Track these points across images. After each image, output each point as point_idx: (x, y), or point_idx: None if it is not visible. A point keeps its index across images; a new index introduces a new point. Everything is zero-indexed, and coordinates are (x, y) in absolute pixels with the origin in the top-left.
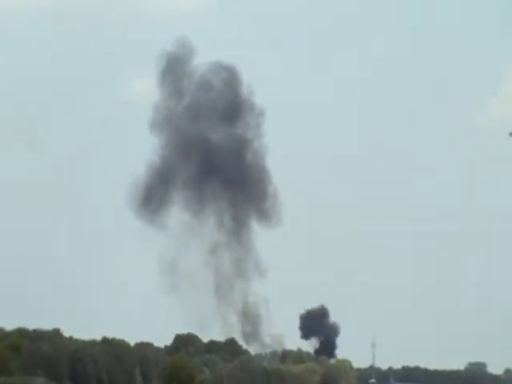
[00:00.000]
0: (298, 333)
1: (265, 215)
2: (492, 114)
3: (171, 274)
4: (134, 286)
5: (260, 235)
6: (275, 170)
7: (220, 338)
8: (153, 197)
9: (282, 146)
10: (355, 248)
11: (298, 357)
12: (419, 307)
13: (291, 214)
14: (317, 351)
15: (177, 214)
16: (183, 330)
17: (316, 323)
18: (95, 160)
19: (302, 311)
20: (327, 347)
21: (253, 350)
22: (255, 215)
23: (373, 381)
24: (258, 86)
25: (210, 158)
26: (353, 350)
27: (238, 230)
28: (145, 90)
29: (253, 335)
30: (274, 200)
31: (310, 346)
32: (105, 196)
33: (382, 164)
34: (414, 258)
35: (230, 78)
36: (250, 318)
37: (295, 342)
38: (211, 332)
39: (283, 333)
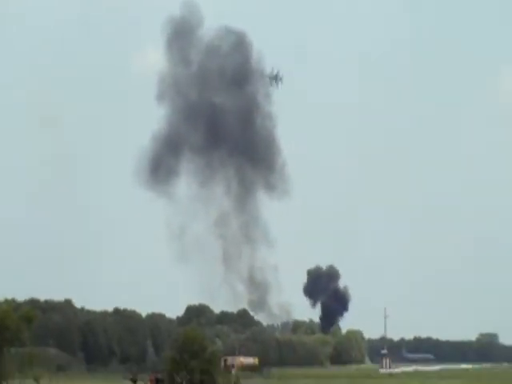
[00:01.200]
0: (307, 302)
1: (272, 186)
2: None
3: (180, 242)
4: (144, 257)
5: (268, 205)
6: (285, 140)
7: (230, 308)
8: (161, 166)
9: (292, 117)
10: (365, 219)
11: (310, 328)
12: (431, 279)
13: (300, 185)
14: (324, 309)
15: (185, 182)
16: (195, 301)
17: (324, 283)
18: (106, 132)
19: (309, 269)
20: (337, 306)
21: (261, 318)
22: (262, 185)
23: (384, 351)
24: (268, 55)
25: (218, 125)
26: (364, 321)
27: (245, 198)
28: (157, 61)
29: (260, 303)
30: (282, 171)
31: (317, 312)
32: (115, 168)
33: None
34: (426, 230)
35: (239, 42)
36: (257, 286)
37: (304, 311)
38: (222, 302)
39: (291, 302)
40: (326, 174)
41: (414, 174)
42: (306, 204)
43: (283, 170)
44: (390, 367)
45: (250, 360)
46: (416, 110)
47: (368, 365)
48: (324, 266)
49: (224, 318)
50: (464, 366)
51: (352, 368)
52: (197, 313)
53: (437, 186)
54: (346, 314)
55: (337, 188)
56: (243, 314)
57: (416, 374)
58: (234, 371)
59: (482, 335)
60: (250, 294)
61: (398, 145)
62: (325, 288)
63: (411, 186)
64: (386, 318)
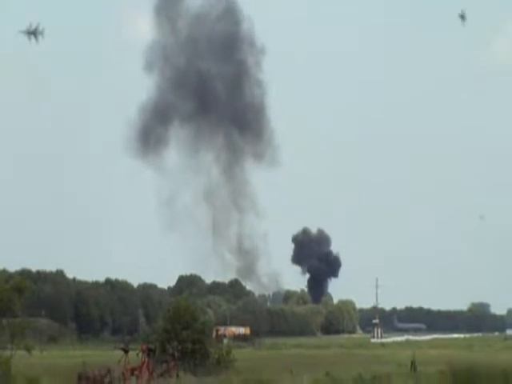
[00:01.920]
0: (297, 271)
1: (260, 155)
2: None
3: (169, 211)
4: (135, 227)
5: (257, 173)
6: (275, 108)
7: (222, 278)
8: (150, 136)
9: (283, 85)
10: (356, 187)
11: (301, 298)
12: (423, 248)
13: (289, 152)
14: (312, 271)
15: (174, 151)
16: (186, 271)
17: (313, 248)
18: (95, 103)
19: (297, 233)
20: (326, 269)
21: (250, 287)
22: (251, 153)
23: (376, 321)
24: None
25: (207, 93)
26: (356, 291)
27: (234, 166)
28: (146, 30)
29: (248, 272)
30: (270, 140)
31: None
32: (103, 138)
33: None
34: (420, 199)
35: (228, 9)
36: (246, 254)
37: (294, 280)
38: (212, 272)
39: (280, 271)
40: (316, 141)
41: (408, 144)
42: (295, 172)
43: (272, 138)
44: (381, 337)
45: (242, 330)
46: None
47: (359, 334)
48: (313, 230)
49: (215, 288)
50: (455, 335)
51: (343, 338)
52: (188, 283)
53: (436, 149)
54: (336, 282)
55: (327, 155)
56: (234, 284)
57: (407, 343)
58: (225, 341)
59: (473, 305)
60: (239, 263)
61: (393, 112)
62: (314, 253)
63: (406, 154)
64: (377, 287)
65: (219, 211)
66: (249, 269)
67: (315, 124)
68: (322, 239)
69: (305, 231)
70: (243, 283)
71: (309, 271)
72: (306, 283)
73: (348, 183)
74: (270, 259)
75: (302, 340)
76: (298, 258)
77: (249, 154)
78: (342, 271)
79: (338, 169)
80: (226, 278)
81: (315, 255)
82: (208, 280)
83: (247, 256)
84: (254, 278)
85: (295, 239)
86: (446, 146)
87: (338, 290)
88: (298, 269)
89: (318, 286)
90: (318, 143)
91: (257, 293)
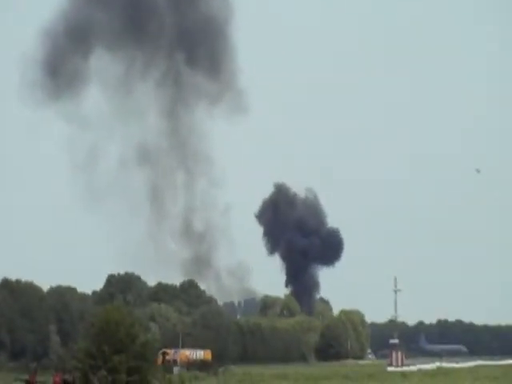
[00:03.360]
0: (278, 264)
1: (218, 96)
2: None
3: (89, 178)
4: (42, 204)
5: (213, 123)
6: (243, 29)
7: (171, 278)
8: (60, 70)
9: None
10: (356, 140)
11: (286, 306)
12: (462, 237)
13: (260, 95)
14: (291, 254)
15: (95, 91)
16: (119, 269)
17: (292, 214)
18: None
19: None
20: (318, 253)
21: (208, 290)
22: (205, 94)
23: (395, 341)
24: None
25: (142, 5)
26: (365, 297)
27: (180, 112)
28: None
29: (200, 265)
30: (233, 76)
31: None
32: None
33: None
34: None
35: None
36: (197, 238)
37: (275, 280)
38: (157, 270)
39: (252, 264)
40: (298, 80)
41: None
42: (269, 121)
43: (235, 71)
44: (402, 364)
45: (200, 353)
46: None
47: (370, 360)
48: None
49: (162, 292)
50: (510, 361)
51: (347, 365)
52: (122, 286)
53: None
54: (336, 282)
55: (317, 99)
56: (189, 288)
57: (441, 372)
58: (176, 369)
59: None
60: (187, 253)
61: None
62: (296, 224)
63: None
64: (396, 292)
65: (159, 176)
66: (200, 261)
67: (298, 56)
68: (312, 206)
69: (280, 190)
70: (202, 286)
71: (286, 253)
72: (283, 275)
73: (347, 135)
74: (234, 247)
75: (288, 369)
76: (271, 238)
77: (202, 93)
78: (343, 263)
79: (334, 116)
80: (175, 277)
81: (298, 228)
82: (151, 281)
83: (199, 242)
84: (211, 275)
85: (263, 208)
86: None
87: (339, 295)
88: (278, 261)
89: (302, 281)
90: (302, 82)
91: (220, 299)
